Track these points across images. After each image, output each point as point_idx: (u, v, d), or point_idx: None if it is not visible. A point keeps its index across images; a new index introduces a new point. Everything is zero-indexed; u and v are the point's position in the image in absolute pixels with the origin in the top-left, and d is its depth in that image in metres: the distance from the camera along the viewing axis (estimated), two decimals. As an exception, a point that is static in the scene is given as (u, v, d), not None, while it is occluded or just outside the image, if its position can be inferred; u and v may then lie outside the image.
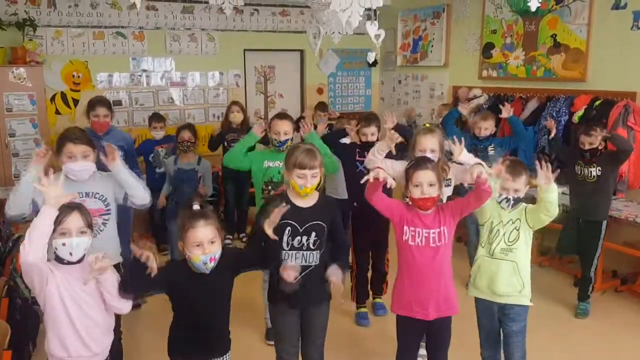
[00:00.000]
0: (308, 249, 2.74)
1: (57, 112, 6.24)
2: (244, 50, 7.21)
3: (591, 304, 4.30)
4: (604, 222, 4.21)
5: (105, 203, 2.94)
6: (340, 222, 2.88)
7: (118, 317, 2.67)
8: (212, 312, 2.43)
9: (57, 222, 2.22)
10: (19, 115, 5.66)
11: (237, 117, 5.68)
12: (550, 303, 4.40)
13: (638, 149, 4.66)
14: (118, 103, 6.48)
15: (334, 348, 3.47)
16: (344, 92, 8.07)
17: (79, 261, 2.30)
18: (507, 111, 4.59)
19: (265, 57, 7.49)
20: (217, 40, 6.99)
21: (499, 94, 5.98)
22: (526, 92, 5.72)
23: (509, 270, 2.90)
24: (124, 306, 2.39)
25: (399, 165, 3.18)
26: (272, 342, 3.08)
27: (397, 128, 4.05)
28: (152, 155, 5.37)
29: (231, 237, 5.93)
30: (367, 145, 4.00)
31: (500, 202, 2.92)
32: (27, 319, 3.51)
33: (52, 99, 6.19)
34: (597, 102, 4.95)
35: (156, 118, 5.59)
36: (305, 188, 2.67)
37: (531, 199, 2.95)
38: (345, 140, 4.30)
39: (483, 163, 2.86)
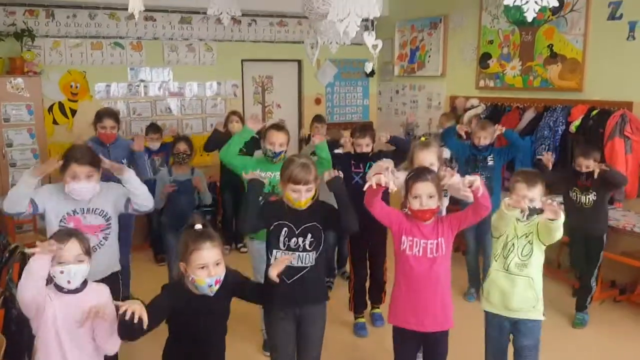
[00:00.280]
0: (304, 249, 2.75)
1: (55, 122, 6.24)
2: (242, 60, 7.23)
3: (590, 314, 4.29)
4: (604, 235, 4.24)
5: (106, 218, 2.95)
6: (336, 211, 2.84)
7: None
8: (210, 331, 2.42)
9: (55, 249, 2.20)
10: (16, 126, 5.65)
11: (236, 127, 5.70)
12: (548, 313, 4.35)
13: (635, 158, 4.67)
14: (116, 113, 6.48)
15: (332, 359, 3.45)
16: (342, 102, 8.08)
17: (78, 290, 2.28)
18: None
19: (263, 67, 7.51)
20: (214, 50, 7.01)
21: (496, 104, 6.00)
22: (523, 102, 5.74)
23: (524, 285, 2.85)
24: (113, 349, 2.35)
25: (402, 175, 3.18)
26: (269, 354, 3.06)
27: (394, 140, 4.06)
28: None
29: (229, 246, 5.93)
30: (362, 156, 4.01)
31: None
32: (23, 330, 3.48)
33: (50, 109, 6.18)
34: (594, 112, 4.96)
35: (153, 129, 5.65)
36: (299, 202, 2.69)
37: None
38: (339, 151, 4.29)
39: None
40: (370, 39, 3.27)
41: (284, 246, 2.74)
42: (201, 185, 4.58)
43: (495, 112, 5.91)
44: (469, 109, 6.08)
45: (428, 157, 3.28)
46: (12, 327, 3.21)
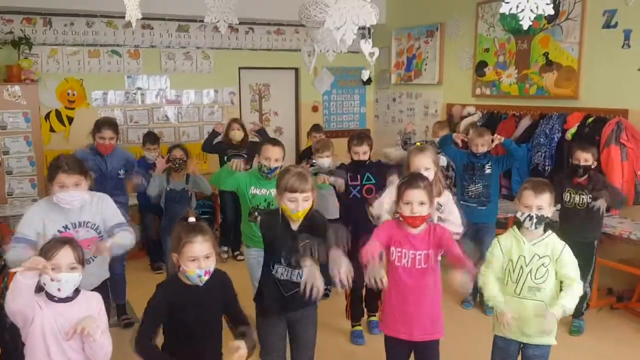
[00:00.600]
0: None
1: (52, 130, 6.23)
2: (239, 68, 7.24)
3: (586, 321, 4.29)
4: (595, 242, 4.23)
5: (98, 231, 2.93)
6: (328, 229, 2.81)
7: None
8: (203, 325, 2.42)
9: (48, 257, 2.17)
10: (13, 133, 5.65)
11: (237, 135, 5.70)
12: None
13: (631, 165, 4.69)
14: (113, 121, 6.48)
15: (329, 367, 3.44)
16: (339, 109, 8.10)
17: (69, 298, 2.25)
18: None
19: (260, 75, 7.53)
20: (212, 58, 7.02)
21: (493, 112, 6.02)
22: (519, 110, 5.76)
23: (538, 310, 2.69)
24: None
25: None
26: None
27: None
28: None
29: (227, 247, 5.96)
30: (359, 165, 3.98)
31: (523, 221, 2.74)
32: (17, 339, 3.45)
33: (47, 116, 6.18)
34: (590, 120, 4.98)
35: (150, 139, 5.48)
36: (297, 212, 2.66)
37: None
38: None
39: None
40: (367, 47, 3.29)
41: (285, 262, 2.72)
42: (197, 173, 4.58)
43: (491, 120, 5.93)
44: (466, 116, 6.10)
45: (424, 162, 3.27)
46: (5, 336, 3.19)
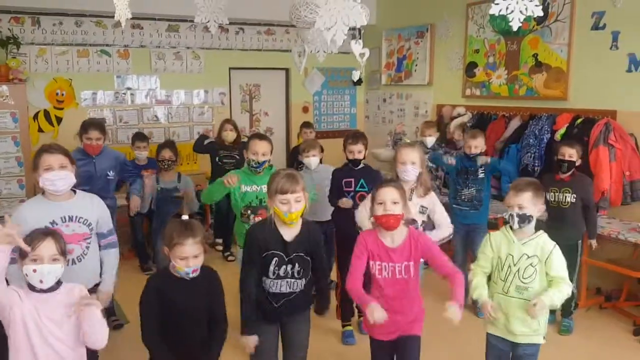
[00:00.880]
0: (293, 277, 2.74)
1: (40, 130, 6.18)
2: (229, 68, 7.23)
3: (575, 321, 4.31)
4: (580, 241, 4.25)
5: (90, 227, 2.88)
6: (321, 251, 2.85)
7: (95, 352, 2.55)
8: (193, 320, 2.49)
9: (30, 248, 2.16)
10: (0, 133, 5.60)
11: (229, 136, 5.69)
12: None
13: (619, 166, 4.72)
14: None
15: (320, 368, 3.44)
16: (329, 110, 8.11)
17: (51, 289, 2.22)
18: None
19: (251, 76, 7.51)
20: (202, 58, 7.00)
21: (483, 113, 6.05)
22: (509, 111, 5.79)
23: (525, 309, 2.70)
24: (101, 341, 2.28)
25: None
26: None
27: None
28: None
29: (220, 240, 5.98)
30: (354, 169, 3.99)
31: (508, 221, 2.77)
32: (4, 340, 3.42)
33: (35, 116, 6.13)
34: (579, 120, 5.02)
35: (139, 138, 5.48)
36: (290, 215, 2.62)
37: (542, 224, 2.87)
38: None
39: None
40: (357, 47, 3.28)
41: (274, 275, 2.71)
42: (189, 196, 4.56)
43: (481, 121, 5.96)
44: (456, 117, 6.12)
45: (411, 156, 3.39)
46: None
